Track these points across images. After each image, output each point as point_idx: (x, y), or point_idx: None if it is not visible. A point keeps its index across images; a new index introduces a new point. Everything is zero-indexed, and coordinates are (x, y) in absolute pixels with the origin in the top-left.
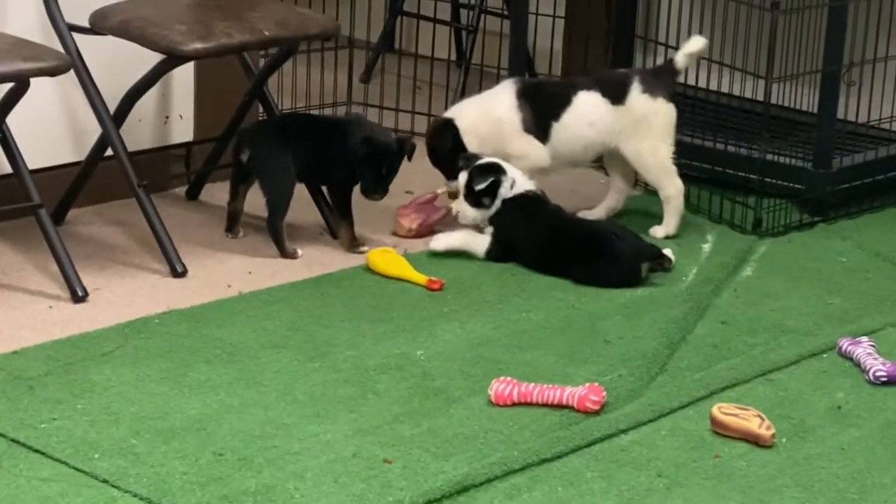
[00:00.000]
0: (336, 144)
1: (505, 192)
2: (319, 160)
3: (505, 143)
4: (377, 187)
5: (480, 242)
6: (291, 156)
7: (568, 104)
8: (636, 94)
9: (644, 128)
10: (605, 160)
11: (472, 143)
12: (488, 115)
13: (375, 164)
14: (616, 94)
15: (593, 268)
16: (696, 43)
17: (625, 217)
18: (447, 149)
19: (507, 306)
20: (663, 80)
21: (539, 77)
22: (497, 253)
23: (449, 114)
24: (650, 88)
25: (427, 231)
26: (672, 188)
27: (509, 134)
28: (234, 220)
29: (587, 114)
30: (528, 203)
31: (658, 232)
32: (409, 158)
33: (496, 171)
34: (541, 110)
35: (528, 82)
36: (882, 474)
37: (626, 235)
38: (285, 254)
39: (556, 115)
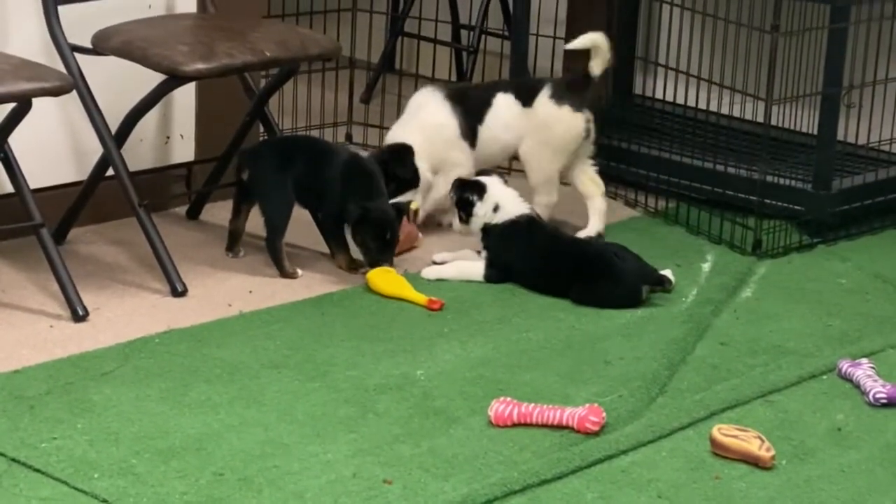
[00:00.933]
0: (333, 174)
1: (483, 214)
2: (315, 187)
3: (444, 150)
4: (383, 256)
5: (475, 269)
6: (290, 177)
7: (489, 106)
8: (544, 99)
9: (544, 132)
10: (567, 175)
11: (422, 166)
12: (426, 127)
13: (379, 232)
14: (527, 98)
15: (594, 289)
16: (594, 41)
17: (624, 237)
18: (404, 174)
19: (507, 326)
20: (577, 90)
21: (462, 85)
22: (495, 277)
23: (399, 139)
24: (557, 95)
25: (410, 238)
26: (547, 198)
27: (448, 139)
28: (235, 239)
29: (503, 116)
30: (522, 227)
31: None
32: (409, 219)
33: (468, 189)
34: (469, 113)
35: (450, 88)
36: (882, 496)
37: (626, 256)
38: (285, 273)
39: (480, 118)
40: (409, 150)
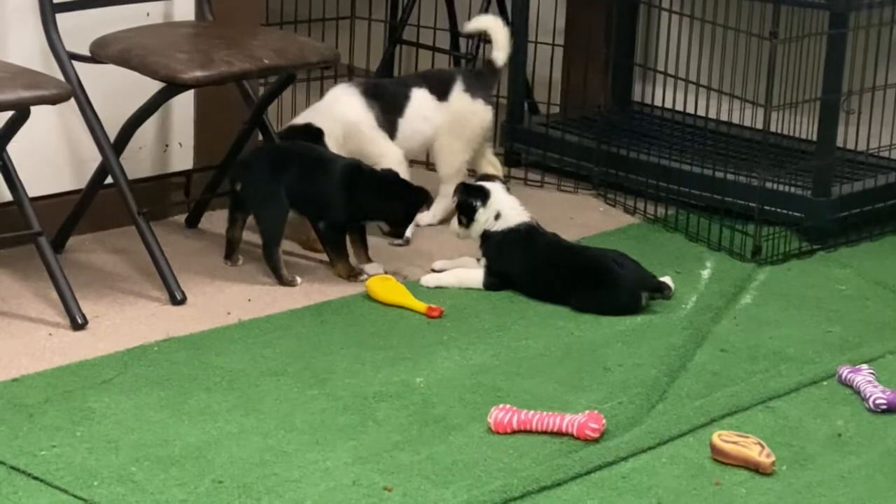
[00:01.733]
0: (334, 182)
1: (484, 220)
2: (310, 195)
3: (363, 144)
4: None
5: (474, 277)
6: (283, 187)
7: (408, 100)
8: (458, 93)
9: (459, 126)
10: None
11: (332, 146)
12: (340, 119)
13: (403, 201)
14: (441, 91)
15: (593, 296)
16: (487, 24)
17: (623, 244)
18: None
19: (507, 334)
20: (485, 82)
21: (371, 78)
22: (494, 285)
23: (301, 121)
24: (471, 88)
25: None
26: (452, 188)
27: (366, 134)
28: (232, 248)
29: (421, 108)
30: (521, 235)
31: (424, 219)
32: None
33: (472, 193)
34: (387, 107)
35: (367, 83)
36: (882, 502)
37: (625, 263)
38: (283, 281)
39: (401, 111)
40: (320, 132)
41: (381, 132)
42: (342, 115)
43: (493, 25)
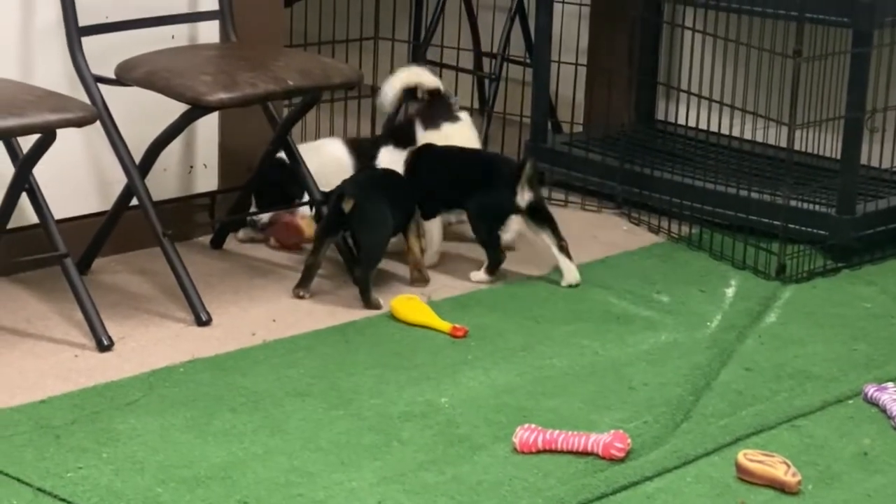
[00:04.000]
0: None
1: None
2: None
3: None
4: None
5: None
6: (391, 205)
7: (374, 159)
8: (421, 134)
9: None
10: None
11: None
12: (325, 161)
13: None
14: (406, 141)
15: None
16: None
17: (647, 263)
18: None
19: (531, 353)
20: (440, 108)
21: (356, 137)
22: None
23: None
24: (430, 122)
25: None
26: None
27: (338, 173)
28: (311, 276)
29: (389, 166)
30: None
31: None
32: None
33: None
34: (361, 162)
35: (349, 139)
36: None
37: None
38: (370, 304)
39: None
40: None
41: None
42: (327, 159)
43: (412, 77)
